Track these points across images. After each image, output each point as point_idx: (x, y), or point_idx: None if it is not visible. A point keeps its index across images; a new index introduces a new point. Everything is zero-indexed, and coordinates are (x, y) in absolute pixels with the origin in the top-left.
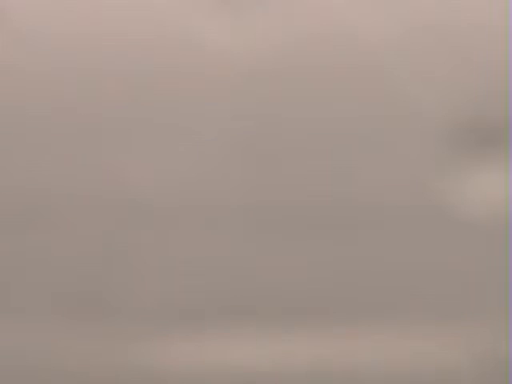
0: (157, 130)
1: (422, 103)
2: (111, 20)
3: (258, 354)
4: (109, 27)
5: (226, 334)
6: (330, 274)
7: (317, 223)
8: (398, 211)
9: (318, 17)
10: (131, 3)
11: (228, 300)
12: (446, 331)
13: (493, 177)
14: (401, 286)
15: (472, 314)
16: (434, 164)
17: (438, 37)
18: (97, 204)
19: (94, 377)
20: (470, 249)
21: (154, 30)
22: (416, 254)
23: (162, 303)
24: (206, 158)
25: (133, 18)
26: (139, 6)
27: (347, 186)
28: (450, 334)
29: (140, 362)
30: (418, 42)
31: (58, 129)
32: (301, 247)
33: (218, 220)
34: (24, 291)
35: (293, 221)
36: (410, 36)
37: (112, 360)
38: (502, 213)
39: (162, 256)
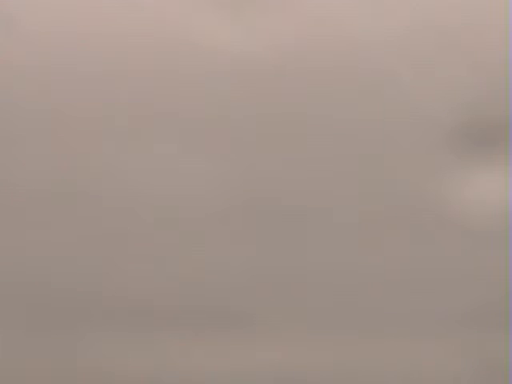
0: (156, 129)
1: (423, 104)
2: (111, 20)
3: (261, 357)
4: (109, 27)
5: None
6: (328, 275)
7: (316, 223)
8: (397, 211)
9: (317, 17)
10: (132, 3)
11: (227, 301)
12: (447, 332)
13: (493, 177)
14: (401, 286)
15: (471, 314)
16: (434, 164)
17: (438, 37)
18: (97, 203)
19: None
20: (470, 249)
21: (154, 29)
22: (415, 254)
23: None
24: (206, 157)
25: (133, 18)
26: (139, 6)
27: (346, 186)
28: (450, 335)
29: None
30: (418, 43)
31: (59, 128)
32: (302, 248)
33: (221, 221)
34: (25, 292)
35: (293, 221)
36: (410, 36)
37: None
38: (502, 213)
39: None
